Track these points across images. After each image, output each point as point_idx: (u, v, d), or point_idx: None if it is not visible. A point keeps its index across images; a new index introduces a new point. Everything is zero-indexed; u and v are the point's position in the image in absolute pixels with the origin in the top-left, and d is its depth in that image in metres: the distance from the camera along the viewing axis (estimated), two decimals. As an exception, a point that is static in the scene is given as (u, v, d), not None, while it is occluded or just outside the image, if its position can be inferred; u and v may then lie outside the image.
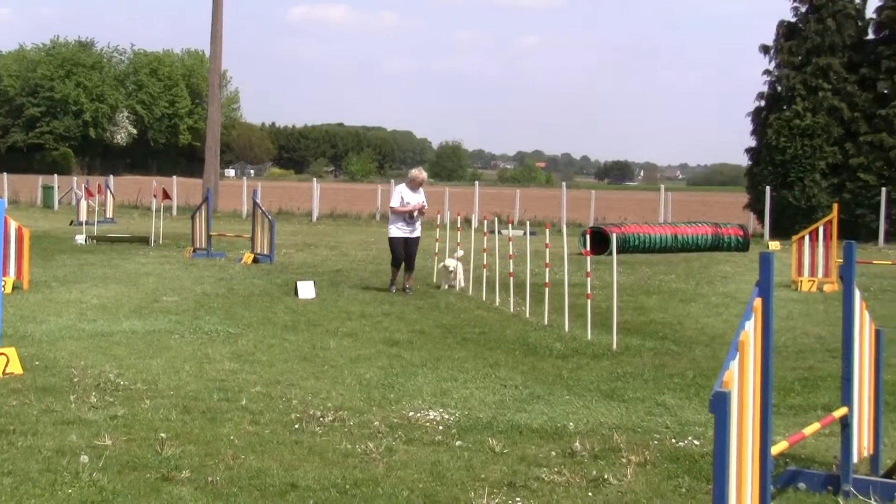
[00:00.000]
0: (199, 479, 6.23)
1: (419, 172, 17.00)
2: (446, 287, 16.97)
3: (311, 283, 15.82)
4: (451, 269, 16.98)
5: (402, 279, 16.57)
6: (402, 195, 16.47)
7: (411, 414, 8.06)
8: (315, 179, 49.24)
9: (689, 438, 7.46)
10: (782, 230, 34.62)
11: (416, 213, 16.41)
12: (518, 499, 6.01)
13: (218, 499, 5.91)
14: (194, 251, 22.48)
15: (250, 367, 9.89)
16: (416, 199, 16.45)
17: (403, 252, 16.38)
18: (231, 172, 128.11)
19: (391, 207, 16.62)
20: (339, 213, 44.24)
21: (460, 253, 17.35)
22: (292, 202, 45.74)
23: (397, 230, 16.47)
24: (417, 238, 16.65)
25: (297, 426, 7.57)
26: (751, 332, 4.91)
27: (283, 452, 6.87)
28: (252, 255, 21.11)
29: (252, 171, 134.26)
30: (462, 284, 17.07)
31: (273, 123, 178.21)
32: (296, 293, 15.37)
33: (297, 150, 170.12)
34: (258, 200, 22.17)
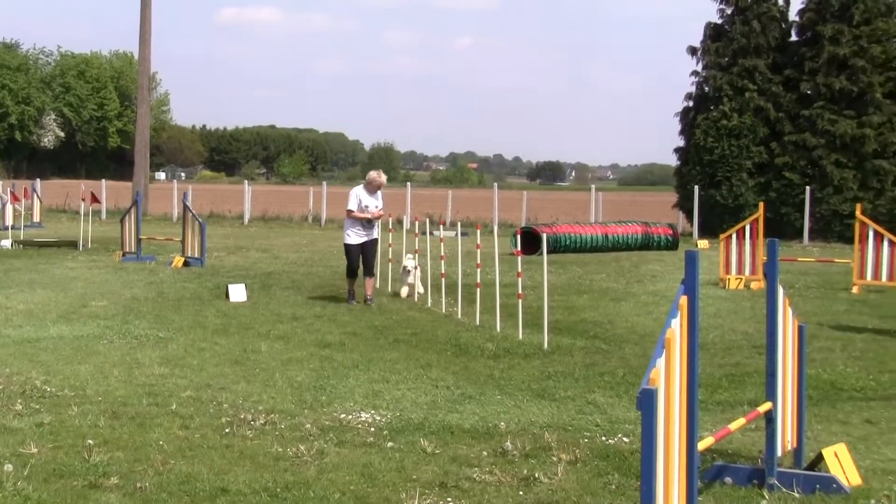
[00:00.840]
0: (128, 485, 6.17)
1: (378, 175, 15.66)
2: (405, 294, 16.08)
3: (243, 286, 15.72)
4: (409, 269, 16.15)
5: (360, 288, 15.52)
6: (359, 198, 15.36)
7: (343, 416, 8.05)
8: (246, 182, 48.89)
9: (619, 436, 7.54)
10: (710, 229, 35.07)
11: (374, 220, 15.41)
12: (449, 499, 6.03)
13: (147, 505, 5.85)
14: (124, 255, 22.20)
15: (180, 371, 9.80)
16: (374, 203, 15.39)
17: (359, 260, 15.42)
18: (161, 175, 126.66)
19: (348, 211, 15.46)
20: (270, 215, 43.95)
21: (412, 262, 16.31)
22: (223, 205, 45.35)
23: (354, 235, 15.44)
24: (375, 240, 15.58)
25: (227, 430, 7.52)
26: (677, 329, 4.97)
27: (214, 457, 6.82)
28: (182, 259, 20.91)
29: (183, 174, 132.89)
30: (421, 290, 16.11)
31: (204, 126, 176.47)
32: (227, 296, 15.26)
33: (228, 153, 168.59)
34: (189, 203, 21.95)
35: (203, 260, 20.79)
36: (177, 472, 6.46)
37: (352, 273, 15.49)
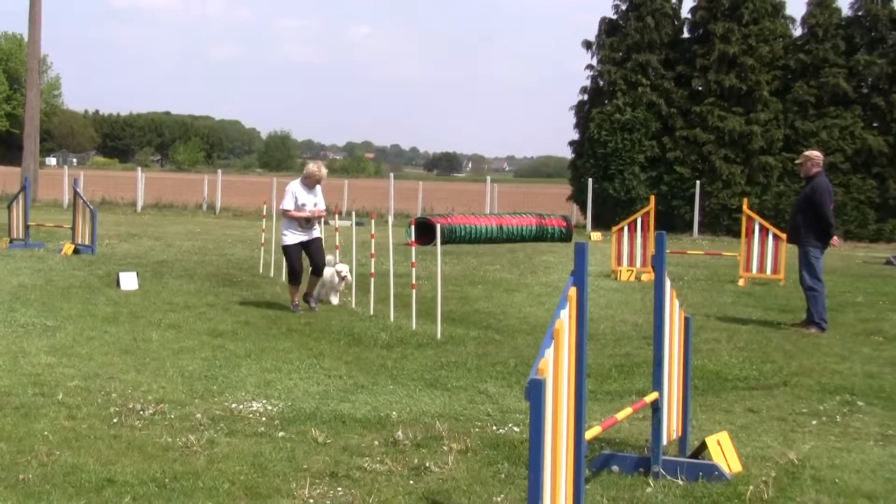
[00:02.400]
0: (10, 477, 6.03)
1: (318, 169, 13.86)
2: (336, 302, 14.32)
3: (134, 274, 15.46)
4: (344, 274, 14.28)
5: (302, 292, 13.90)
6: (295, 195, 13.61)
7: (234, 406, 7.99)
8: (140, 168, 48.02)
9: (510, 425, 7.62)
10: (603, 221, 35.61)
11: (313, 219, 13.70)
12: (340, 489, 6.04)
13: (30, 497, 5.73)
14: (11, 242, 21.64)
15: (68, 360, 9.61)
16: (313, 199, 13.73)
17: (301, 261, 13.81)
18: (52, 161, 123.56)
19: (284, 210, 13.66)
20: (164, 203, 43.28)
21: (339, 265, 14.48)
22: (116, 192, 44.48)
23: (292, 235, 13.65)
24: (318, 238, 13.87)
25: (115, 420, 7.41)
26: (566, 320, 5.05)
27: (101, 447, 6.71)
28: (73, 246, 20.47)
29: (74, 160, 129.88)
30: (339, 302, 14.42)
31: (97, 111, 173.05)
32: (118, 284, 14.99)
33: (121, 139, 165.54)
34: (79, 190, 21.52)
35: (94, 247, 20.40)
36: (62, 463, 6.34)
37: (294, 277, 13.69)
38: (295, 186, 13.71)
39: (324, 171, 14.00)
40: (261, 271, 17.86)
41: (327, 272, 14.08)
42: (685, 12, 41.25)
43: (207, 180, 43.48)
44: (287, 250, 13.75)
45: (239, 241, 25.56)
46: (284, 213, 13.65)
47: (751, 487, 6.12)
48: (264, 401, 8.20)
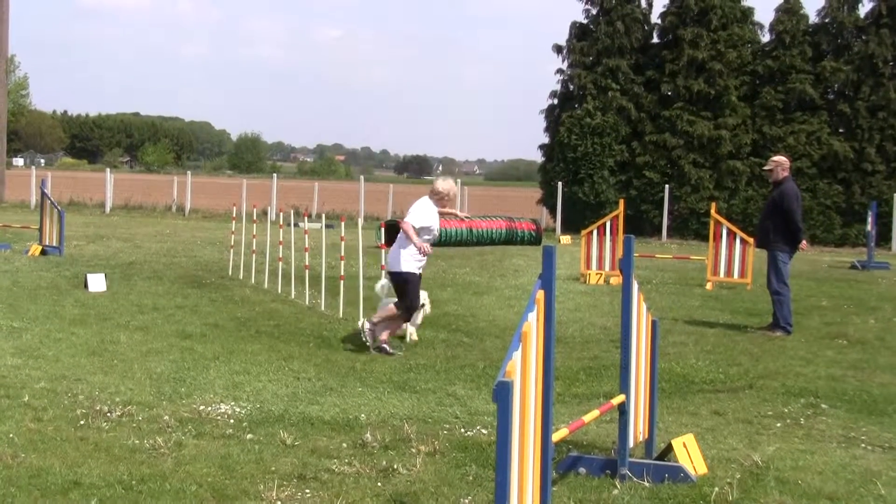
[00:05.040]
0: (-24, 479, 6.00)
1: (454, 186, 11.81)
2: (413, 335, 11.82)
3: (102, 275, 15.39)
4: (424, 303, 11.92)
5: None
6: (425, 215, 11.40)
7: (202, 408, 7.98)
8: (108, 169, 47.70)
9: (478, 427, 7.66)
10: (573, 225, 35.70)
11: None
12: (308, 491, 6.05)
13: (-4, 499, 5.71)
14: (-24, 242, 21.48)
15: (34, 362, 9.56)
16: (437, 223, 11.60)
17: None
18: (20, 161, 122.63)
19: (414, 227, 11.20)
20: (133, 204, 43.02)
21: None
22: (84, 193, 44.21)
23: (415, 262, 11.19)
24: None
25: (82, 422, 7.38)
26: (533, 323, 5.08)
27: (67, 450, 6.68)
28: (40, 247, 20.33)
29: (42, 161, 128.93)
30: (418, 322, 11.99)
31: (65, 112, 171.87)
32: (85, 286, 14.92)
33: (90, 140, 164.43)
34: (47, 190, 21.39)
35: (61, 249, 20.26)
36: (27, 465, 6.31)
37: (410, 313, 11.26)
38: (427, 204, 11.45)
39: (455, 189, 11.93)
40: (230, 273, 17.81)
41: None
42: (655, 17, 41.44)
43: (177, 182, 43.29)
44: (409, 279, 11.13)
45: (208, 242, 25.47)
46: (410, 231, 11.17)
47: (716, 489, 6.18)
48: (232, 403, 8.19)
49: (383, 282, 11.98)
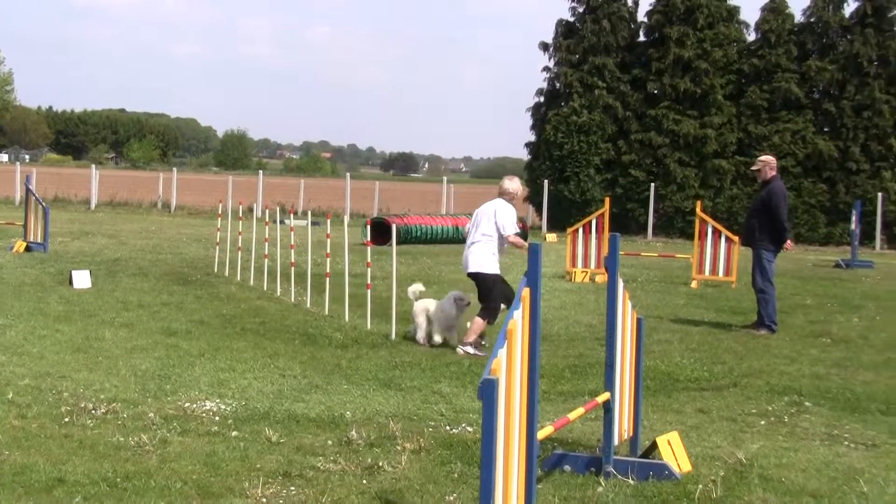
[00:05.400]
0: (-40, 476, 5.98)
1: (518, 184, 11.88)
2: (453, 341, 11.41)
3: (87, 272, 15.34)
4: (460, 297, 11.55)
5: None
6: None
7: (187, 405, 7.96)
8: (94, 166, 47.54)
9: (463, 425, 7.66)
10: (559, 223, 35.77)
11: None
12: (293, 488, 6.05)
13: (-20, 496, 5.69)
14: (-40, 239, 21.40)
15: (19, 359, 9.52)
16: None
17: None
18: (4, 157, 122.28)
19: (510, 237, 11.31)
20: (119, 200, 42.90)
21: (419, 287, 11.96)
22: (69, 189, 44.02)
23: (496, 264, 11.41)
24: None
25: (67, 419, 7.36)
26: (519, 321, 5.09)
27: (52, 447, 6.66)
28: (24, 244, 20.26)
29: (27, 157, 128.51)
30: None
31: (50, 107, 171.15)
32: (70, 283, 14.87)
33: (75, 136, 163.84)
34: (32, 186, 21.30)
35: (46, 245, 20.20)
36: (11, 463, 6.29)
37: (495, 313, 11.30)
38: (510, 207, 11.52)
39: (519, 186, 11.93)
40: (216, 270, 17.78)
41: (444, 301, 11.59)
42: (641, 16, 41.57)
43: (162, 178, 43.20)
44: (496, 280, 11.37)
45: (194, 239, 25.42)
46: (520, 242, 11.24)
47: (700, 486, 6.20)
48: (218, 400, 8.18)
49: (417, 287, 11.90)
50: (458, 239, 28.21)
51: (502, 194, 11.52)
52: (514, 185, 11.64)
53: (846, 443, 7.58)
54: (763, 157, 13.89)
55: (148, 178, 53.74)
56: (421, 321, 11.42)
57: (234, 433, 7.21)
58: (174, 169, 46.67)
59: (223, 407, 7.96)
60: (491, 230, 11.26)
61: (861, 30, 38.11)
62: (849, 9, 39.21)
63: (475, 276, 11.36)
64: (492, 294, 11.21)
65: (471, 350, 10.93)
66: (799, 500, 6.14)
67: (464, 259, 11.50)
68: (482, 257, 11.24)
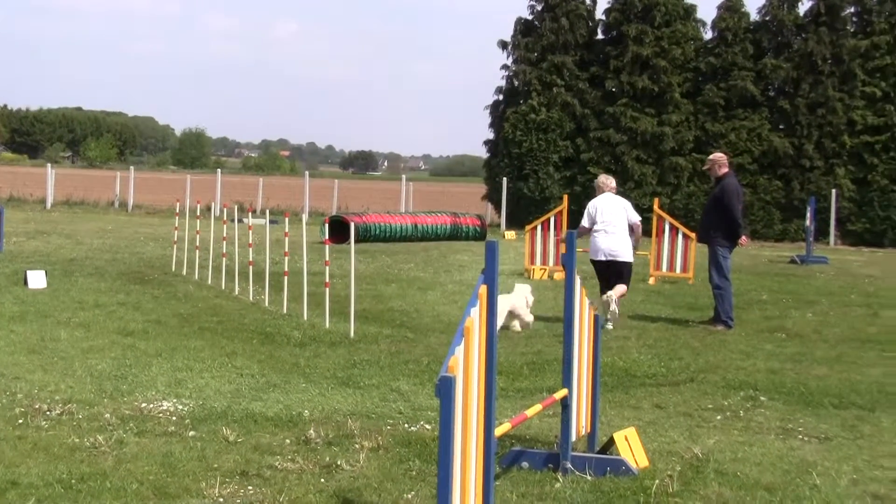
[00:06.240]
0: (-88, 479, 5.91)
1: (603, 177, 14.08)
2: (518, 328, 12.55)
3: (42, 272, 15.19)
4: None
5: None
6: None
7: (144, 405, 7.91)
8: (49, 165, 47.06)
9: (422, 423, 7.67)
10: (518, 220, 35.82)
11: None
12: (250, 487, 6.03)
13: (-68, 499, 5.63)
14: (-88, 239, 21.11)
15: (-28, 360, 9.42)
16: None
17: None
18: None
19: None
20: (75, 200, 42.51)
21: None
22: (25, 188, 43.54)
23: None
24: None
25: (21, 421, 7.29)
26: (476, 318, 5.10)
27: (5, 449, 6.60)
28: (-23, 244, 20.05)
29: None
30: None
31: (5, 106, 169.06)
32: (25, 283, 14.72)
33: (31, 135, 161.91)
34: (-16, 186, 21.09)
35: (0, 245, 20.00)
36: (-35, 464, 6.22)
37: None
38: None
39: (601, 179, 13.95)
40: (173, 269, 17.67)
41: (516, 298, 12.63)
42: (599, 14, 41.71)
43: (120, 177, 42.86)
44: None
45: (151, 238, 25.25)
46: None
47: (656, 481, 6.25)
48: (175, 400, 8.14)
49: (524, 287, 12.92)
50: (417, 237, 28.24)
51: (608, 189, 13.53)
52: (605, 179, 13.88)
53: (800, 436, 7.67)
54: (712, 156, 14.01)
55: (105, 177, 53.29)
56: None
57: (192, 433, 7.17)
58: (131, 168, 46.33)
59: (180, 407, 7.92)
60: (625, 222, 13.15)
61: (815, 28, 38.49)
62: (803, 7, 39.61)
63: (625, 265, 13.17)
64: (630, 277, 13.42)
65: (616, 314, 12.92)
66: (753, 493, 6.20)
67: (605, 247, 13.09)
68: (627, 247, 13.16)
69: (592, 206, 13.34)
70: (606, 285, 13.14)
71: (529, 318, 12.68)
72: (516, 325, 12.50)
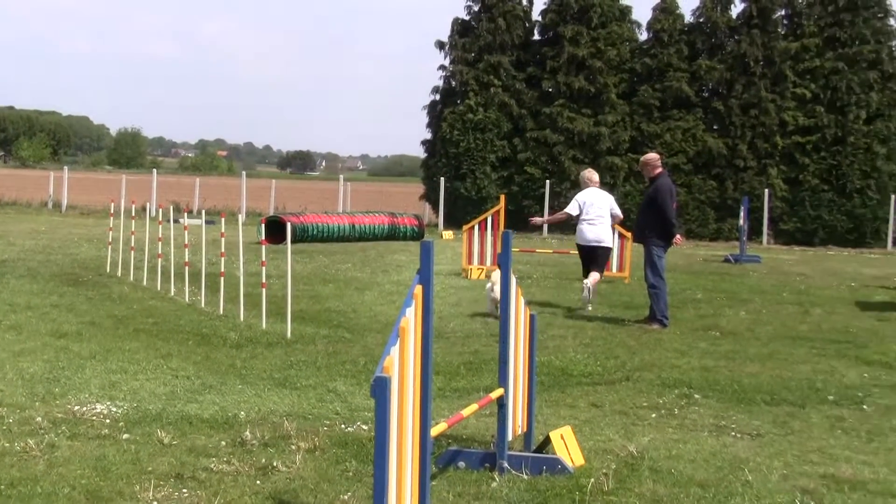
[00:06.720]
0: None
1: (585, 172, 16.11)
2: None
3: (-29, 274, 14.93)
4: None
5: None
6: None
7: (77, 408, 7.81)
8: (-22, 164, 46.23)
9: (358, 423, 7.66)
10: (455, 220, 35.92)
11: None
12: (185, 490, 5.98)
13: None
14: None
15: None
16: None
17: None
18: None
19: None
20: (7, 200, 41.82)
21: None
22: (-47, 189, 42.84)
23: None
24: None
25: (-50, 425, 7.16)
26: (411, 318, 5.10)
27: (-66, 454, 6.48)
28: None
29: None
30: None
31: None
32: (-47, 285, 14.46)
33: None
34: (-89, 186, 20.67)
35: (-72, 246, 19.62)
36: None
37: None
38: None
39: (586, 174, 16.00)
40: (108, 270, 17.46)
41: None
42: (536, 15, 41.92)
43: (53, 177, 42.25)
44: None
45: (86, 239, 24.91)
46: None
47: (592, 480, 6.30)
48: (109, 402, 8.04)
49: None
50: (354, 237, 28.17)
51: (592, 183, 15.47)
52: (587, 172, 15.94)
53: (733, 433, 7.78)
54: (643, 158, 14.22)
55: (38, 177, 52.50)
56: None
57: (126, 436, 7.10)
58: (65, 167, 45.69)
59: (114, 409, 7.83)
60: (609, 214, 15.21)
61: (748, 30, 39.06)
62: (736, 10, 40.19)
63: (604, 250, 15.33)
64: (606, 262, 15.80)
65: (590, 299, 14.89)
66: (687, 490, 6.28)
67: (592, 236, 15.08)
68: (609, 234, 15.36)
69: (582, 198, 15.11)
70: (587, 269, 15.08)
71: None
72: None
